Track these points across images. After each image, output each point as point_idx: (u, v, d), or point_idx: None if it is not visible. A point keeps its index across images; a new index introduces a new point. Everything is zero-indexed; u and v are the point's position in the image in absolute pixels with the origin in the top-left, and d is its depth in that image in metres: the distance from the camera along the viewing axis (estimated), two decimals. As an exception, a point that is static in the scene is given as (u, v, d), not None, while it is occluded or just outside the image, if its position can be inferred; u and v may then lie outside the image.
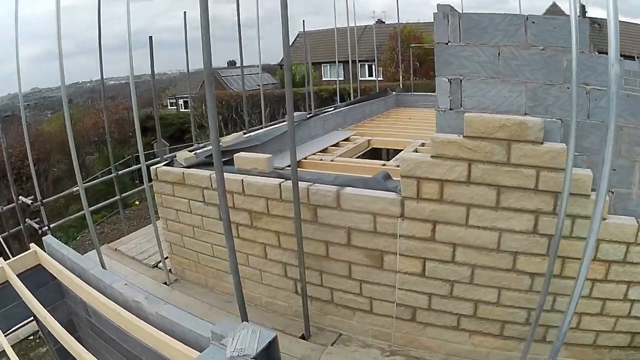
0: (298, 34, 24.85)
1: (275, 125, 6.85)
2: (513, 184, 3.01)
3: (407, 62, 18.23)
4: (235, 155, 4.36)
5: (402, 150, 6.26)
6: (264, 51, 8.45)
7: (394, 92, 11.56)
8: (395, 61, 23.13)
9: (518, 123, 2.88)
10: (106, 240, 8.67)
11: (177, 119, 27.17)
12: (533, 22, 2.88)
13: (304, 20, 8.90)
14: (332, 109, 8.37)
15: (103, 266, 4.23)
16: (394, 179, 3.61)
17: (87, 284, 2.43)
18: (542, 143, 2.87)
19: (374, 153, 6.91)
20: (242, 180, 4.00)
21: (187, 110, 29.10)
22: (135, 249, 5.87)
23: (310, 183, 3.71)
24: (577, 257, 2.74)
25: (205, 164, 4.53)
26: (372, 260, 3.59)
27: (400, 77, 13.64)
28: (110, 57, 6.76)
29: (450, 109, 3.18)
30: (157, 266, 5.33)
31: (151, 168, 4.67)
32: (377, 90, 12.15)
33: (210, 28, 2.57)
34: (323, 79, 30.81)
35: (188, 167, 4.50)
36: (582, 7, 29.59)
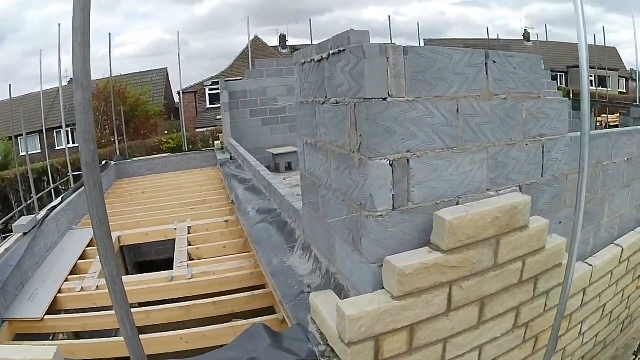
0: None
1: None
2: (498, 288, 2.10)
3: (113, 122, 14.35)
4: None
5: (167, 239, 4.92)
6: None
7: (112, 162, 8.72)
8: (101, 123, 17.99)
9: (509, 209, 1.93)
10: None
11: None
12: (494, 62, 1.89)
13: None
14: (60, 200, 5.53)
15: None
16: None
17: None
18: (528, 226, 2.04)
19: (130, 253, 4.79)
20: None
21: None
22: None
23: None
24: (550, 326, 2.40)
25: None
26: None
27: (116, 141, 11.09)
28: None
29: (394, 209, 1.84)
30: None
31: None
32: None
33: None
34: (21, 154, 21.00)
35: None
36: (525, 32, 30.46)
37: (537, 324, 2.43)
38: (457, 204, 1.94)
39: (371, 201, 1.75)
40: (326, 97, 2.00)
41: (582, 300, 2.75)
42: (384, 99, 1.70)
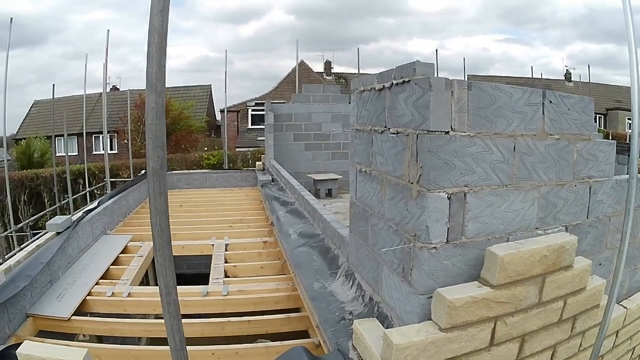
0: (33, 103, 19.36)
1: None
2: (539, 325, 2.10)
3: None
4: None
5: (201, 254, 4.97)
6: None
7: None
8: (143, 133, 18.49)
9: (557, 248, 1.94)
10: None
11: None
12: (550, 102, 1.93)
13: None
14: (97, 203, 5.61)
15: None
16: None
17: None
18: (573, 266, 2.05)
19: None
20: None
21: None
22: None
23: None
24: None
25: None
26: None
27: None
28: None
29: (447, 242, 1.86)
30: None
31: None
32: (131, 171, 8.92)
33: None
34: (57, 154, 21.80)
35: None
36: (567, 72, 30.23)
37: (571, 364, 2.41)
38: (507, 241, 1.96)
39: (426, 233, 1.77)
40: (385, 127, 2.04)
41: (614, 342, 2.73)
42: (447, 133, 1.74)
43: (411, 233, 1.86)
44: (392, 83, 1.93)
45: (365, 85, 2.21)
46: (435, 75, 1.82)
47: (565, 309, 2.17)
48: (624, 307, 2.72)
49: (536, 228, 2.08)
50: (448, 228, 1.80)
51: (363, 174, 2.37)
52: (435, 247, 1.79)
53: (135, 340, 3.70)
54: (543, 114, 1.94)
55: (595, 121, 21.33)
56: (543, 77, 25.98)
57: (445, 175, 1.77)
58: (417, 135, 1.78)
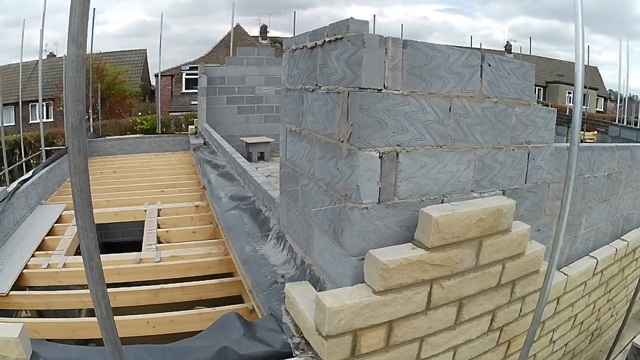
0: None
1: None
2: (477, 290, 2.11)
3: (89, 99, 14.19)
4: None
5: (135, 221, 4.86)
6: None
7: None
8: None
9: (494, 211, 1.94)
10: None
11: None
12: (490, 65, 1.91)
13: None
14: (31, 173, 5.43)
15: None
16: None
17: None
18: (511, 230, 2.06)
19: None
20: None
21: None
22: None
23: None
24: (523, 332, 2.48)
25: None
26: None
27: (91, 118, 10.71)
28: None
29: (379, 202, 1.83)
30: None
31: None
32: (67, 139, 8.63)
33: None
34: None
35: None
36: (507, 44, 29.17)
37: (511, 328, 2.45)
38: (442, 202, 1.95)
39: (357, 192, 1.73)
40: (316, 85, 1.98)
41: (556, 309, 2.80)
42: (379, 90, 1.69)
43: (341, 193, 1.82)
44: (325, 40, 1.86)
45: (297, 44, 2.14)
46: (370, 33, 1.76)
47: (504, 273, 2.19)
48: (565, 274, 2.78)
49: (472, 191, 2.07)
50: (380, 188, 1.77)
51: (293, 133, 2.31)
52: (366, 207, 1.75)
53: (75, 313, 3.60)
54: (481, 76, 1.92)
55: (535, 92, 21.93)
56: (483, 47, 26.02)
57: (377, 134, 1.72)
58: (349, 93, 1.73)
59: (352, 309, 1.78)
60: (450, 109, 1.87)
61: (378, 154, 1.75)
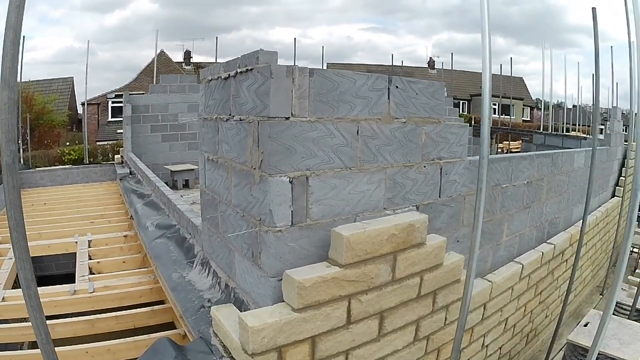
0: None
1: None
2: (397, 302, 2.22)
3: (18, 130, 13.80)
4: None
5: (67, 252, 4.83)
6: None
7: None
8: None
9: (406, 227, 2.06)
10: None
11: None
12: (397, 87, 2.05)
13: None
14: None
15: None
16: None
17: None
18: (425, 243, 2.19)
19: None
20: None
21: None
22: None
23: None
24: (451, 340, 2.56)
25: None
26: None
27: (21, 150, 10.52)
28: None
29: (292, 225, 1.91)
30: None
31: None
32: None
33: None
34: None
35: None
36: (430, 60, 28.87)
37: (438, 337, 2.57)
38: (354, 222, 2.05)
39: (270, 216, 1.81)
40: (230, 115, 2.06)
41: (483, 315, 2.95)
42: (287, 118, 1.79)
43: (257, 217, 1.89)
44: (237, 71, 1.95)
45: (213, 75, 2.22)
46: (278, 63, 1.86)
47: (423, 285, 2.31)
48: (489, 281, 2.94)
49: (384, 208, 2.19)
50: (292, 211, 1.85)
51: (211, 162, 2.38)
52: (280, 230, 1.83)
53: (18, 347, 3.50)
54: (389, 98, 2.06)
55: (458, 106, 22.48)
56: (406, 64, 26.60)
57: (286, 160, 1.81)
58: (259, 122, 1.81)
59: (274, 327, 1.83)
60: (358, 132, 1.99)
61: (288, 179, 1.84)
